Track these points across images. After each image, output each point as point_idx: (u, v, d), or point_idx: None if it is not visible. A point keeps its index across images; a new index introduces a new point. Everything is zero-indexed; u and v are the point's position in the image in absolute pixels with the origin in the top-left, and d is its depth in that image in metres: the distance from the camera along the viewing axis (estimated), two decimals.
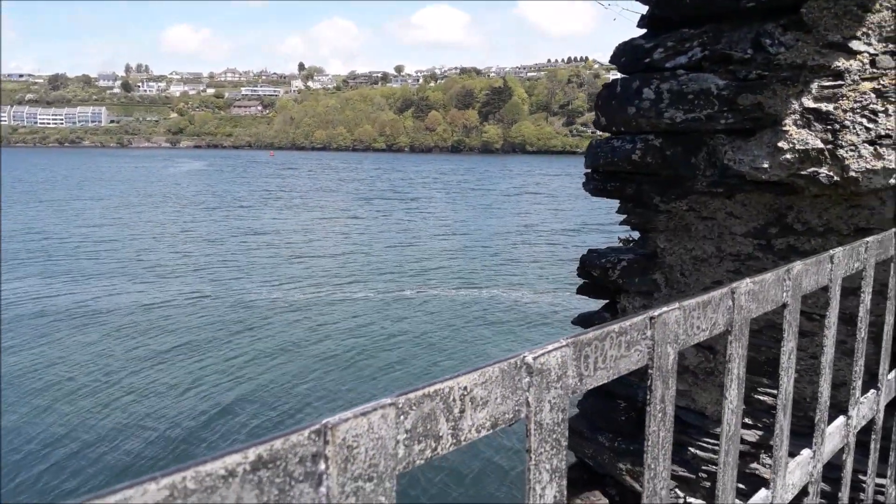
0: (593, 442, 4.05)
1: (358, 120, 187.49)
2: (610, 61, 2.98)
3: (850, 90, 2.42)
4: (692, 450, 3.51)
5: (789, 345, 1.50)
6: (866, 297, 1.96)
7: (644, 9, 2.91)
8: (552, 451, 0.87)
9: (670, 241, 3.08)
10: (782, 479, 1.62)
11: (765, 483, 1.62)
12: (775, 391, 3.03)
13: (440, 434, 0.72)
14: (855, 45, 2.42)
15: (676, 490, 3.70)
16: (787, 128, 2.49)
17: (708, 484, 3.59)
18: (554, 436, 0.87)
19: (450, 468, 8.15)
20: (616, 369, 0.99)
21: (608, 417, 3.99)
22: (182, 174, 78.70)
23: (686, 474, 3.59)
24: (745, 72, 2.57)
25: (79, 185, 58.63)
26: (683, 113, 2.68)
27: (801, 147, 2.47)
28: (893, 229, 2.12)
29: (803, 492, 1.86)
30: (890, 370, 2.38)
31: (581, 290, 3.87)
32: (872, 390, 2.25)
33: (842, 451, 2.07)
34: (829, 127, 2.44)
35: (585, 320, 3.84)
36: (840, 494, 2.13)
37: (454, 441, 0.74)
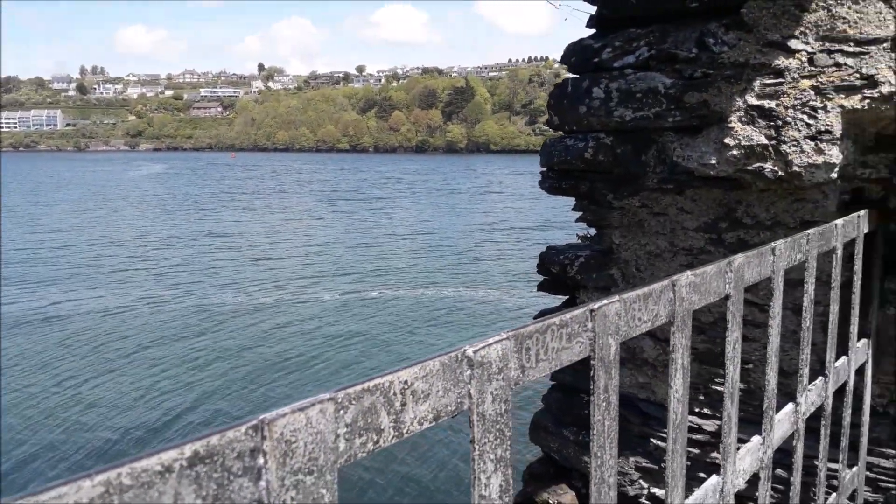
0: (558, 436, 4.10)
1: (320, 120, 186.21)
2: (561, 61, 3.03)
3: (790, 87, 2.51)
4: (654, 441, 3.59)
5: (734, 335, 1.55)
6: (810, 288, 2.03)
7: (593, 9, 2.96)
8: (496, 442, 0.90)
9: (625, 237, 3.15)
10: (732, 465, 1.67)
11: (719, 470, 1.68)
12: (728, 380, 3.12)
13: (382, 427, 0.74)
14: (793, 43, 2.50)
15: (640, 481, 3.77)
16: (732, 124, 2.57)
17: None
18: (497, 426, 0.90)
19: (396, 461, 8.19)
20: (558, 360, 1.03)
21: (572, 412, 4.04)
22: (141, 177, 77.33)
23: (649, 465, 3.66)
24: (690, 70, 2.64)
25: (34, 190, 57.21)
26: (632, 111, 2.74)
27: (746, 143, 2.55)
28: (835, 221, 2.20)
29: (756, 477, 1.92)
30: (837, 358, 2.46)
31: (541, 287, 3.92)
32: (821, 378, 2.33)
33: (792, 437, 2.14)
34: (772, 123, 2.52)
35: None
36: (792, 479, 2.20)
37: (396, 434, 0.76)
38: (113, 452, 8.97)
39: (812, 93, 2.50)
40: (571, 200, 3.50)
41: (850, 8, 2.48)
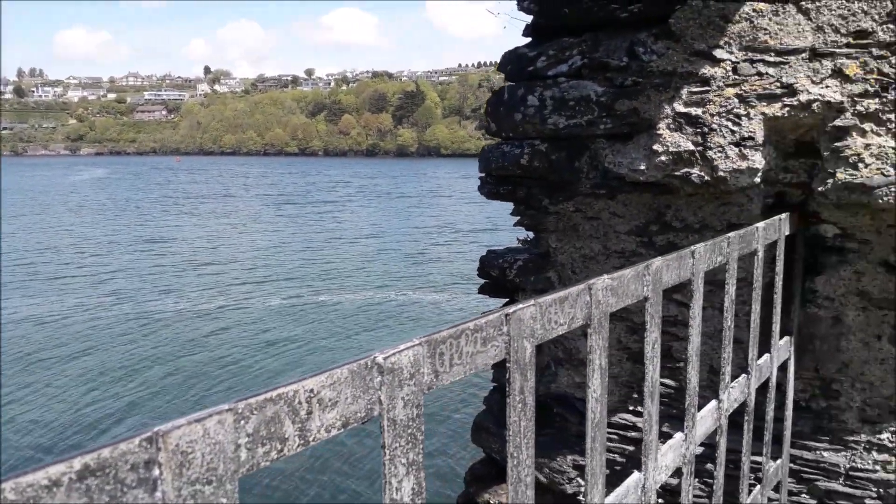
0: (499, 437, 4.14)
1: (268, 124, 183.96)
2: (497, 69, 3.08)
3: (715, 95, 2.60)
4: None
5: (652, 335, 1.61)
6: (731, 289, 2.11)
7: (529, 18, 3.02)
8: (408, 446, 0.92)
9: (561, 240, 3.21)
10: (654, 461, 1.73)
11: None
12: (668, 380, 3.21)
13: (286, 436, 0.76)
14: (718, 53, 2.60)
15: (578, 479, 3.84)
16: (660, 131, 2.65)
17: (607, 471, 3.74)
18: (409, 431, 0.92)
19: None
20: (473, 364, 1.05)
21: None
22: (82, 182, 75.08)
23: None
24: (621, 79, 2.71)
25: None
26: (566, 119, 2.81)
27: (674, 149, 2.63)
28: (756, 225, 2.29)
29: (679, 472, 1.98)
30: (760, 356, 2.56)
31: (482, 290, 3.96)
32: (744, 375, 2.42)
33: (715, 432, 2.22)
34: (698, 130, 2.61)
35: None
36: (716, 473, 2.28)
37: (302, 442, 0.78)
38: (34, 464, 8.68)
39: (736, 101, 2.60)
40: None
41: (770, 20, 2.59)
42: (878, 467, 2.89)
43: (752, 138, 2.58)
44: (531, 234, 3.72)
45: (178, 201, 49.06)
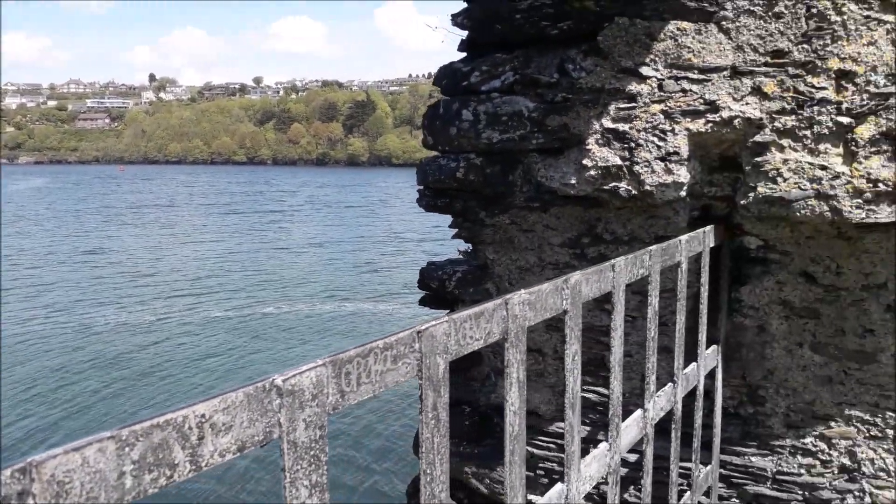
0: None
1: (216, 132, 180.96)
2: (433, 83, 3.11)
3: (642, 112, 2.67)
4: (530, 449, 3.69)
5: (573, 348, 1.64)
6: (654, 301, 2.17)
7: (465, 33, 3.06)
8: (310, 468, 0.92)
9: (497, 252, 3.25)
10: (577, 472, 1.76)
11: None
12: (598, 388, 3.27)
13: (176, 462, 0.75)
14: (645, 70, 2.67)
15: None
16: (590, 146, 2.71)
17: (546, 481, 3.78)
18: (312, 453, 0.92)
19: None
20: (382, 383, 1.06)
21: (453, 423, 4.09)
22: (19, 192, 72.47)
23: (525, 473, 3.76)
24: (551, 95, 2.77)
25: None
26: (499, 133, 2.85)
27: (603, 164, 2.69)
28: (679, 238, 2.36)
29: (605, 482, 2.02)
30: (687, 365, 2.63)
31: (423, 302, 3.98)
32: (670, 384, 2.49)
33: (642, 441, 2.27)
34: (626, 145, 2.68)
35: None
36: (643, 481, 2.33)
37: (194, 467, 0.77)
38: None
39: (662, 116, 2.68)
40: None
41: (694, 38, 2.67)
42: (802, 471, 2.99)
43: (677, 153, 2.66)
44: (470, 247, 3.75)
45: (121, 211, 47.80)
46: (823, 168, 2.50)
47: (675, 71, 2.68)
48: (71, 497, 0.64)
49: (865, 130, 2.45)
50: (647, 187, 2.67)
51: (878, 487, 2.86)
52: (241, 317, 16.68)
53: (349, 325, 15.83)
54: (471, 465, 3.98)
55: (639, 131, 2.69)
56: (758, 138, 2.59)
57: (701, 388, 2.69)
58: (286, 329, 15.52)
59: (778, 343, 2.92)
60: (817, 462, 2.97)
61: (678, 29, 2.67)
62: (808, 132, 2.54)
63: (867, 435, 2.85)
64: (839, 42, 2.47)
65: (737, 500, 3.14)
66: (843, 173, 2.48)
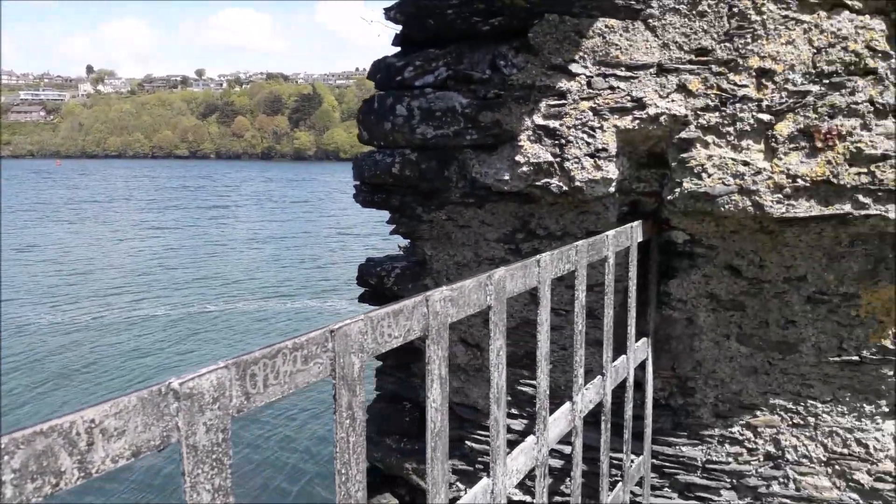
0: (381, 445, 4.14)
1: (157, 125, 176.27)
2: (367, 78, 3.09)
3: (572, 108, 2.71)
4: (469, 443, 3.72)
5: (497, 343, 1.65)
6: (581, 295, 2.20)
7: (399, 28, 3.04)
8: (213, 472, 0.91)
9: (435, 248, 3.25)
10: (502, 465, 1.78)
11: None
12: (535, 382, 3.30)
13: (62, 469, 0.73)
14: (574, 67, 2.71)
15: (458, 483, 3.89)
16: (522, 143, 2.73)
17: (485, 475, 3.80)
18: (214, 456, 0.91)
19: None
20: (293, 384, 1.04)
21: (394, 420, 4.10)
22: None
23: (465, 467, 3.78)
24: (484, 91, 2.78)
25: None
26: (433, 129, 2.85)
27: (535, 160, 2.72)
28: (606, 233, 2.40)
29: (532, 475, 2.05)
30: (616, 357, 2.68)
31: (362, 299, 3.95)
32: (599, 376, 2.53)
33: (571, 433, 2.31)
34: (556, 142, 2.71)
35: None
36: (573, 473, 2.36)
37: (83, 474, 0.75)
38: None
39: (590, 113, 2.72)
40: None
41: (621, 36, 2.72)
42: (730, 459, 3.09)
43: (605, 150, 2.71)
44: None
45: (57, 207, 46.12)
46: (746, 164, 2.58)
47: (603, 68, 2.72)
48: None
49: (784, 127, 2.54)
50: (578, 183, 2.71)
51: (801, 474, 2.97)
52: (181, 315, 16.31)
53: (292, 323, 15.64)
54: (411, 462, 3.98)
55: (569, 128, 2.72)
56: (683, 135, 2.66)
57: (631, 379, 2.74)
58: (227, 327, 15.24)
59: (706, 335, 3.00)
60: (744, 450, 3.07)
61: (606, 26, 2.71)
62: (731, 129, 2.61)
63: (790, 423, 2.96)
64: (759, 41, 2.55)
65: (669, 490, 3.22)
66: (765, 169, 2.56)
